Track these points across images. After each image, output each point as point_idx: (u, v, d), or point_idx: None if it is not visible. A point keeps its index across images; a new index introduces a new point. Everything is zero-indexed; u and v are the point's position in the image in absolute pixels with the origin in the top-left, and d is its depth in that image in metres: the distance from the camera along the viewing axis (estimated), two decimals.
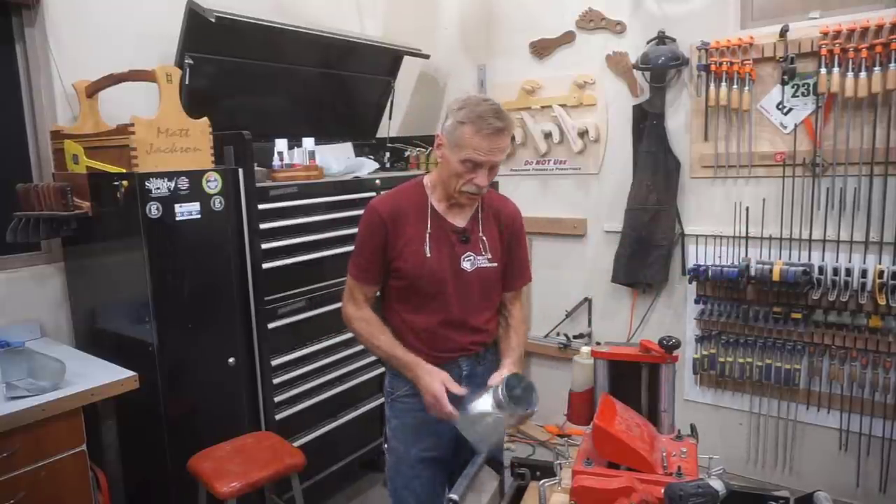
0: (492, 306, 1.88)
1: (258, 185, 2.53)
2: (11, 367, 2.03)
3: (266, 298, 2.56)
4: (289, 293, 2.66)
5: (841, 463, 2.87)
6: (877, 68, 2.50)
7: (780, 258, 2.85)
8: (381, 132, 3.79)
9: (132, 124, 2.20)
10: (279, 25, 2.83)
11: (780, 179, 2.83)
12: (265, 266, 2.54)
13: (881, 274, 2.58)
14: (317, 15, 3.41)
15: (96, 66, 2.50)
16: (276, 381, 2.63)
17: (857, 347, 2.73)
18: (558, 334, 3.58)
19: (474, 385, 1.72)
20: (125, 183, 2.18)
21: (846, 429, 2.83)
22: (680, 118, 3.09)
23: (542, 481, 1.52)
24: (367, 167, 3.18)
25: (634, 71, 3.17)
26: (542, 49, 3.48)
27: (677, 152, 3.09)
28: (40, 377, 2.00)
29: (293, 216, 2.66)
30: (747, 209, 2.93)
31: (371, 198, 1.88)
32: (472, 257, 1.80)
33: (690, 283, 3.06)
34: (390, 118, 3.78)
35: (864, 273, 2.63)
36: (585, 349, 1.76)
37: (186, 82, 2.57)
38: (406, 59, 3.66)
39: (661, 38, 3.05)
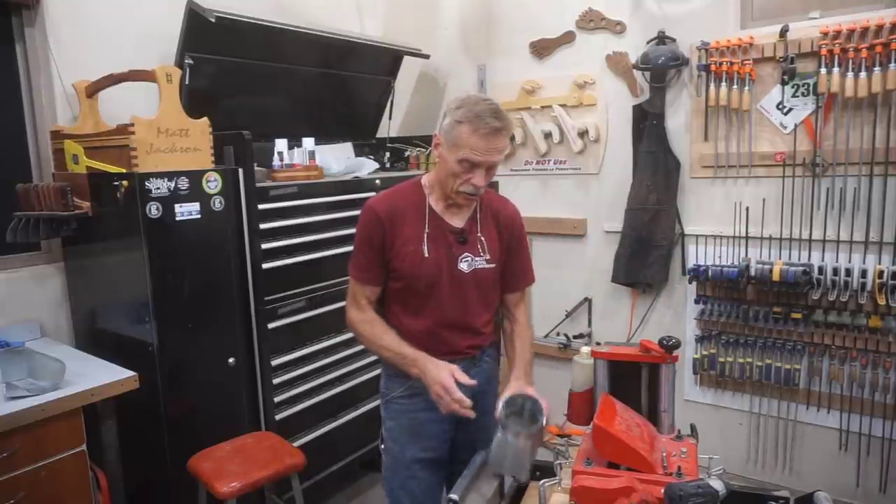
0: (490, 308, 1.87)
1: (258, 185, 2.53)
2: (11, 367, 2.03)
3: (266, 298, 2.56)
4: (289, 293, 2.66)
5: (841, 463, 2.87)
6: (877, 68, 2.50)
7: (780, 258, 2.84)
8: (381, 132, 3.79)
9: (132, 124, 2.20)
10: (279, 25, 2.83)
11: (780, 179, 2.83)
12: (265, 266, 2.54)
13: (881, 274, 2.58)
14: (317, 15, 3.42)
15: (96, 66, 2.50)
16: (276, 381, 2.63)
17: (857, 347, 2.73)
18: (558, 334, 3.58)
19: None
20: (125, 183, 2.18)
21: (846, 429, 2.83)
22: (680, 118, 3.09)
23: (542, 481, 1.52)
24: (367, 167, 3.19)
25: (634, 71, 3.17)
26: (542, 49, 3.48)
27: (677, 152, 3.09)
28: (40, 377, 2.00)
29: (293, 216, 2.66)
30: (747, 209, 2.93)
31: (369, 198, 1.86)
32: (469, 258, 1.78)
33: (690, 283, 3.06)
34: (390, 118, 3.78)
35: (863, 273, 2.63)
36: (585, 349, 1.76)
37: (186, 82, 2.57)
38: (406, 59, 3.66)
39: (661, 38, 3.05)
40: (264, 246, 2.53)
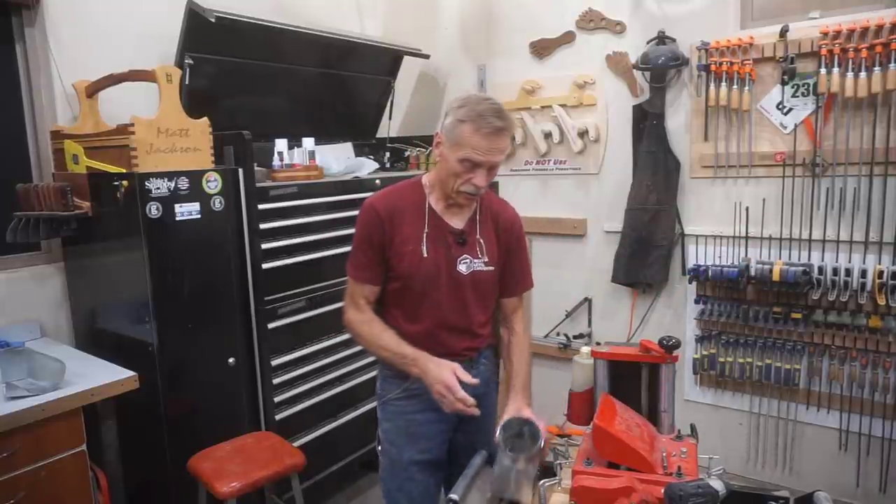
0: (487, 311, 1.85)
1: (258, 185, 2.53)
2: (11, 367, 2.03)
3: (266, 298, 2.56)
4: (289, 293, 2.66)
5: (841, 463, 2.87)
6: (877, 68, 2.50)
7: (780, 258, 2.84)
8: (381, 132, 3.79)
9: (132, 124, 2.20)
10: (279, 25, 2.83)
11: (780, 179, 2.83)
12: (265, 266, 2.54)
13: (881, 274, 2.58)
14: (317, 15, 3.42)
15: (96, 66, 2.50)
16: (276, 381, 2.63)
17: (856, 347, 2.73)
18: (558, 334, 3.58)
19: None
20: (125, 183, 2.18)
21: (846, 429, 2.83)
22: (680, 118, 3.09)
23: (542, 481, 1.52)
24: (367, 167, 3.19)
25: (634, 71, 3.17)
26: (542, 49, 3.48)
27: (677, 152, 3.09)
28: (40, 377, 2.00)
29: (293, 216, 2.66)
30: (747, 209, 2.93)
31: (369, 196, 1.84)
32: (468, 260, 1.76)
33: (690, 283, 3.06)
34: (390, 118, 3.78)
35: (863, 273, 2.63)
36: (585, 349, 1.76)
37: (186, 82, 2.57)
38: (406, 59, 3.66)
39: (661, 38, 3.05)
40: (264, 246, 2.53)
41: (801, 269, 2.69)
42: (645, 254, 3.16)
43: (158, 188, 2.20)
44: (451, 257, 1.75)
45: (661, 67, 3.02)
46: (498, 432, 1.58)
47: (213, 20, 2.51)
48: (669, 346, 1.55)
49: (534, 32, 3.48)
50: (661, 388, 1.59)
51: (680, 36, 3.01)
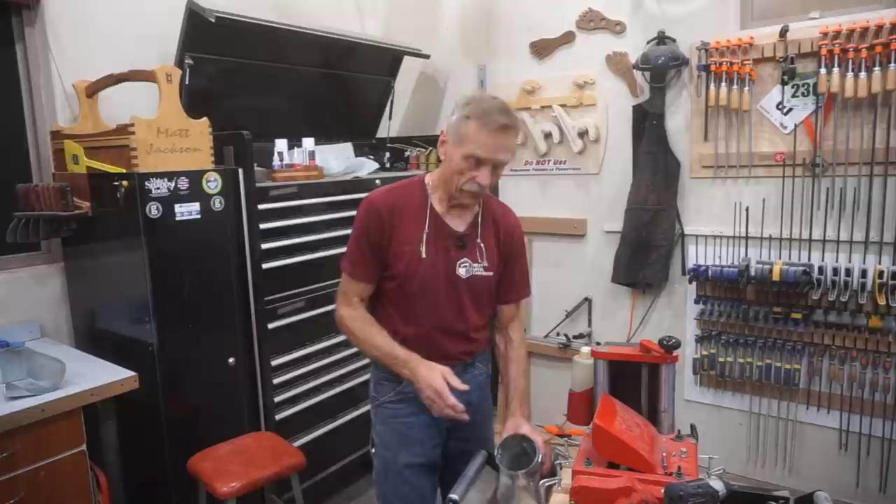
0: (484, 315, 1.82)
1: (258, 185, 2.54)
2: (11, 367, 2.03)
3: (266, 298, 2.56)
4: (289, 293, 2.67)
5: (841, 463, 2.87)
6: (877, 68, 2.50)
7: (780, 258, 2.84)
8: (381, 132, 3.79)
9: (132, 124, 2.20)
10: (279, 25, 2.83)
11: (780, 179, 2.83)
12: (265, 266, 2.54)
13: (881, 274, 2.58)
14: (317, 15, 3.41)
15: (96, 66, 2.50)
16: (275, 381, 2.63)
17: (857, 347, 2.73)
18: (558, 334, 3.58)
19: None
20: (125, 183, 2.18)
21: (846, 429, 2.83)
22: (680, 118, 3.09)
23: (541, 481, 1.52)
24: (367, 167, 3.19)
25: (634, 71, 3.17)
26: (542, 49, 3.48)
27: (677, 152, 3.09)
28: (40, 377, 2.00)
29: (293, 216, 2.66)
30: (747, 209, 2.93)
31: (370, 192, 1.81)
32: (467, 264, 1.74)
33: (690, 283, 3.06)
34: (390, 118, 3.78)
35: (863, 273, 2.63)
36: (585, 349, 1.75)
37: (186, 82, 2.57)
38: (406, 59, 3.67)
39: (661, 39, 3.05)
40: (264, 246, 2.53)
41: (801, 269, 2.69)
42: (645, 254, 3.16)
43: (158, 188, 2.20)
44: (451, 260, 1.73)
45: (661, 67, 3.02)
46: (498, 452, 1.57)
47: (213, 20, 2.51)
48: (669, 346, 1.55)
49: (534, 33, 3.48)
50: (661, 388, 1.59)
51: (680, 36, 3.01)
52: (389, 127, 3.78)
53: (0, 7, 2.42)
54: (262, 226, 2.53)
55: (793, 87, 2.77)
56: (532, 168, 3.59)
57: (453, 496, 1.45)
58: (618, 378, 1.64)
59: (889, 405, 2.71)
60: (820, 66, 2.61)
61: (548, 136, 3.49)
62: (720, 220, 3.02)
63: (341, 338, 2.85)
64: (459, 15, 3.76)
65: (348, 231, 1.79)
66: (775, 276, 2.73)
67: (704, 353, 3.08)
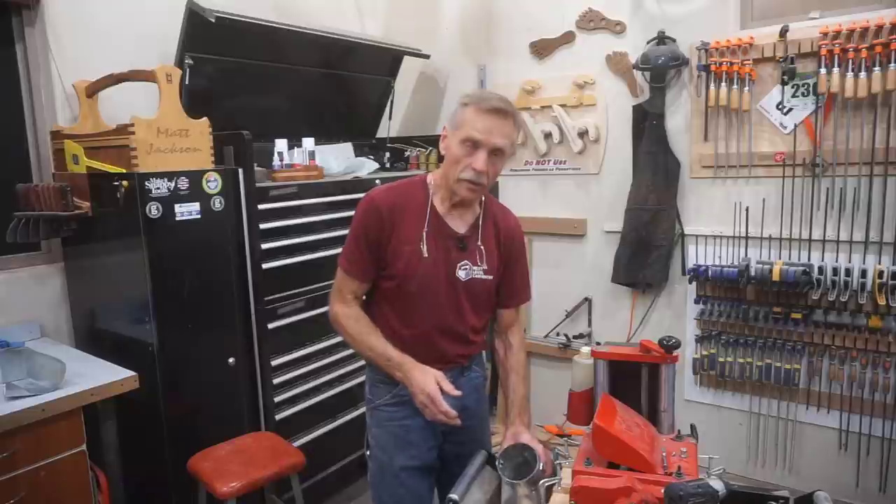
0: (482, 318, 1.81)
1: (258, 185, 2.53)
2: (11, 367, 2.03)
3: (266, 298, 2.56)
4: (288, 293, 2.67)
5: (841, 463, 2.88)
6: (877, 68, 2.50)
7: (780, 258, 2.85)
8: (381, 132, 3.79)
9: (132, 124, 2.20)
10: (279, 25, 2.83)
11: (780, 179, 2.83)
12: (265, 266, 2.54)
13: (881, 274, 2.58)
14: (317, 15, 3.41)
15: (96, 66, 2.50)
16: (275, 381, 2.63)
17: (856, 347, 2.73)
18: (558, 334, 3.58)
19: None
20: (125, 183, 2.18)
21: (846, 429, 2.83)
22: (680, 118, 3.09)
23: (542, 481, 1.52)
24: (367, 167, 3.19)
25: (634, 71, 3.17)
26: (542, 49, 3.48)
27: (677, 152, 3.09)
28: (40, 377, 2.00)
29: (293, 216, 2.66)
30: (747, 209, 2.93)
31: (371, 189, 1.79)
32: (467, 266, 1.72)
33: (690, 283, 3.06)
34: (390, 118, 3.78)
35: (863, 273, 2.63)
36: (585, 349, 1.75)
37: (186, 82, 2.57)
38: (406, 59, 3.66)
39: (661, 38, 3.05)
40: (264, 246, 2.53)
41: (801, 269, 2.69)
42: (645, 254, 3.16)
43: (158, 188, 2.19)
44: (451, 261, 1.71)
45: (661, 67, 3.02)
46: (499, 462, 1.56)
47: (213, 20, 2.51)
48: (669, 346, 1.55)
49: (534, 33, 3.48)
50: (661, 388, 1.59)
51: (680, 36, 3.01)
52: (389, 127, 3.78)
53: (0, 7, 2.42)
54: (262, 226, 2.53)
55: (793, 87, 2.77)
56: (532, 168, 3.59)
57: (453, 496, 1.45)
58: (618, 378, 1.64)
59: (889, 405, 2.71)
60: (820, 66, 2.62)
61: (548, 136, 3.49)
62: (720, 220, 3.02)
63: (341, 338, 2.84)
64: (459, 15, 3.77)
65: (348, 231, 1.78)
66: (775, 276, 2.73)
67: (704, 353, 3.08)
